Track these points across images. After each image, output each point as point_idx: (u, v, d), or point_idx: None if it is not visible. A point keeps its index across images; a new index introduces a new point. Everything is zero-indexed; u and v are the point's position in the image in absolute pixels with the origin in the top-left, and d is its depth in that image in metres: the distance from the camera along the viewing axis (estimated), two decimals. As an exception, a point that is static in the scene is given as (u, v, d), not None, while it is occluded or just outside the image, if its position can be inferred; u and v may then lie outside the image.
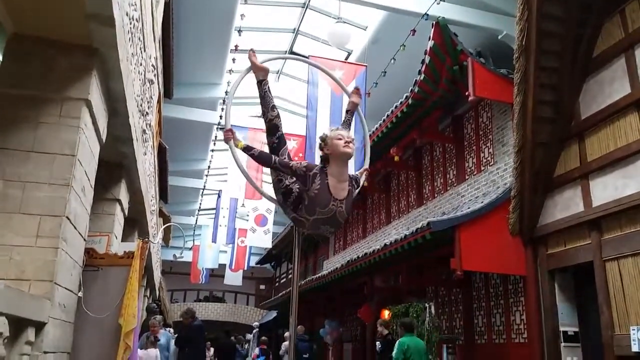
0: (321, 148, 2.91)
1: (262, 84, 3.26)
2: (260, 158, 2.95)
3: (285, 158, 3.02)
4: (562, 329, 6.57)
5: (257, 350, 14.12)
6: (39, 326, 3.02)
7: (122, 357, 4.25)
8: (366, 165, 3.33)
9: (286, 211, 3.03)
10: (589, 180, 6.19)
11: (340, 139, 2.83)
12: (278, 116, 3.16)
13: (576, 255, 6.29)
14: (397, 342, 6.63)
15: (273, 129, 3.13)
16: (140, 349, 6.87)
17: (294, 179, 2.96)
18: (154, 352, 7.08)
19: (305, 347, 11.24)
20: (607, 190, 5.88)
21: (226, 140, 3.02)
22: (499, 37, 8.32)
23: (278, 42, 12.14)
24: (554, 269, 6.70)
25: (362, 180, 3.15)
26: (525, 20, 6.05)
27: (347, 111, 3.31)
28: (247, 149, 2.96)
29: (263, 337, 14.93)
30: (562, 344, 6.50)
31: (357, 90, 3.37)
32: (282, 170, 2.93)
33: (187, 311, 8.47)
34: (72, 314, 3.82)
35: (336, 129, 2.94)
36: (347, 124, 3.21)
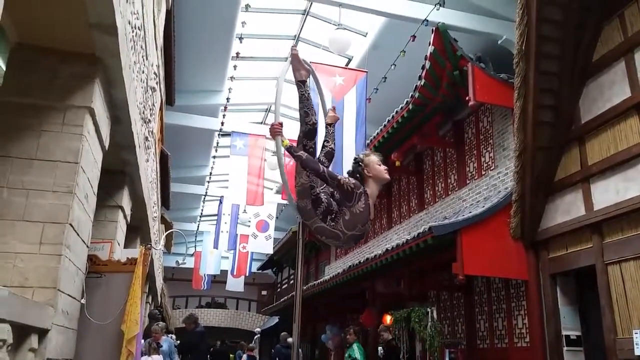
0: (358, 169, 3.01)
1: (303, 84, 3.28)
2: (306, 162, 2.87)
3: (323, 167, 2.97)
4: (564, 333, 6.56)
5: (244, 357, 14.35)
6: (42, 333, 3.03)
7: (125, 364, 4.26)
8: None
9: (309, 218, 2.94)
10: (590, 184, 6.20)
11: (380, 165, 3.02)
12: (317, 121, 3.20)
13: (578, 259, 6.30)
14: (357, 346, 7.57)
15: (312, 133, 3.15)
16: (142, 355, 6.88)
17: (323, 187, 2.98)
18: (157, 358, 7.09)
19: (286, 354, 12.17)
20: (608, 193, 5.89)
21: (274, 135, 2.95)
22: (499, 42, 8.35)
23: (279, 49, 12.19)
24: (556, 272, 6.70)
25: None
26: (525, 25, 6.08)
27: (327, 124, 3.37)
28: (291, 149, 2.88)
29: (250, 344, 15.25)
30: (565, 348, 6.49)
31: (332, 109, 3.49)
32: (326, 181, 2.89)
33: (189, 317, 8.47)
34: (75, 321, 3.83)
35: (371, 153, 3.11)
36: (331, 136, 3.32)
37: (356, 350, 7.46)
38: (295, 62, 3.30)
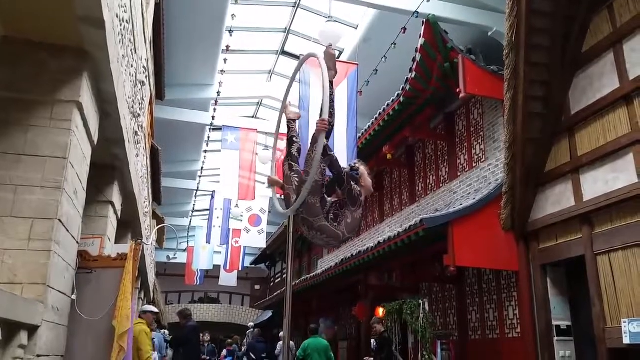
0: (355, 176, 3.17)
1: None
2: (335, 163, 3.08)
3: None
4: (555, 323, 6.61)
5: (224, 352, 14.62)
6: (32, 329, 3.01)
7: (116, 359, 4.24)
8: None
9: (315, 215, 3.00)
10: (579, 175, 6.24)
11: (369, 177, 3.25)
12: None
13: (568, 250, 6.34)
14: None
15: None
16: None
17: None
18: (154, 354, 7.07)
19: (262, 347, 13.53)
20: (598, 184, 5.93)
21: (323, 130, 2.97)
22: (489, 33, 8.37)
23: (269, 42, 12.13)
24: (546, 263, 6.75)
25: None
26: (515, 17, 6.08)
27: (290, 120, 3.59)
28: (326, 148, 3.03)
29: (229, 340, 15.49)
30: (555, 338, 6.55)
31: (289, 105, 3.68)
32: (343, 183, 3.08)
33: (182, 312, 8.46)
34: (66, 317, 3.82)
35: (361, 164, 3.31)
36: (296, 132, 3.56)
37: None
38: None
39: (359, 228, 3.13)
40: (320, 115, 3.03)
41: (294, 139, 3.45)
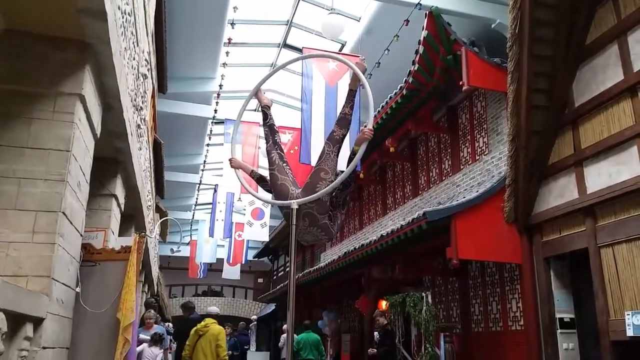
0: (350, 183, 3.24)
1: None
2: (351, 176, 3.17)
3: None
4: (558, 315, 6.62)
5: None
6: (38, 322, 3.03)
7: (121, 352, 4.26)
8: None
9: (323, 212, 3.06)
10: (583, 168, 6.23)
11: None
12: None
13: (571, 242, 6.34)
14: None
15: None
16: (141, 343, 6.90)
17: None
18: (157, 350, 7.10)
19: (245, 340, 15.49)
20: (601, 177, 5.92)
21: (368, 139, 3.04)
22: (492, 26, 8.31)
23: (271, 35, 12.09)
24: (550, 256, 6.75)
25: None
26: (518, 9, 6.05)
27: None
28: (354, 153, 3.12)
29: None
30: (559, 331, 6.56)
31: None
32: (350, 184, 3.23)
33: (186, 304, 8.47)
34: (70, 310, 3.83)
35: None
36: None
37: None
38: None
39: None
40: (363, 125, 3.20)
41: (275, 127, 3.45)
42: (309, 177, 3.20)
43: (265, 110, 3.46)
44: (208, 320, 6.85)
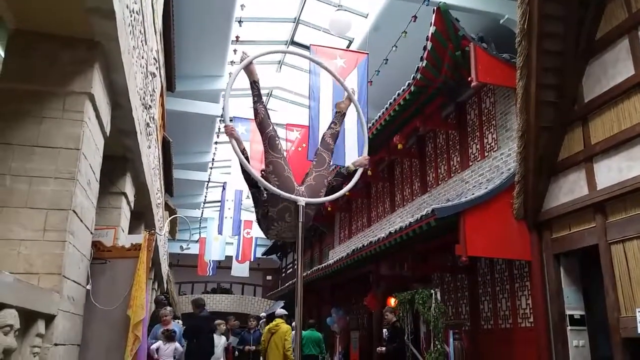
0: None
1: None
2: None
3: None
4: (568, 312, 6.59)
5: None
6: (49, 319, 3.06)
7: (132, 348, 4.30)
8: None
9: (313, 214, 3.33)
10: (593, 163, 6.18)
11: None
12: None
13: (581, 239, 6.30)
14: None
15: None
16: (155, 340, 6.94)
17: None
18: (172, 346, 7.12)
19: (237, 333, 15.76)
20: (612, 172, 5.87)
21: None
22: (501, 21, 8.26)
23: (279, 32, 12.10)
24: (559, 252, 6.71)
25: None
26: (527, 4, 6.00)
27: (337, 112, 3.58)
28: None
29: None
30: (569, 328, 6.53)
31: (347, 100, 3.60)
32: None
33: (196, 301, 8.48)
34: (81, 307, 3.87)
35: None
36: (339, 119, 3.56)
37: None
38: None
39: None
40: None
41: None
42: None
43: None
44: (278, 320, 8.30)
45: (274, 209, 3.09)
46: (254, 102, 3.33)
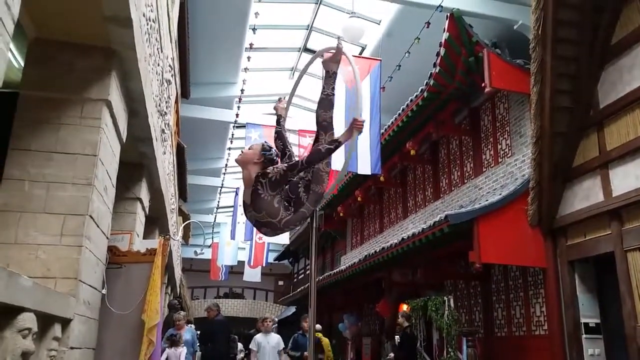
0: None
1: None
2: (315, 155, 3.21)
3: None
4: (583, 320, 6.50)
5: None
6: (65, 322, 3.10)
7: (146, 353, 4.33)
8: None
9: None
10: (608, 170, 6.12)
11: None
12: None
13: (597, 246, 6.23)
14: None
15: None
16: (165, 347, 6.99)
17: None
18: (179, 350, 7.18)
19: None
20: (628, 179, 5.80)
21: (359, 131, 2.92)
22: (515, 27, 8.23)
23: (292, 39, 12.16)
24: (574, 260, 6.64)
25: None
26: (541, 9, 5.98)
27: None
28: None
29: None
30: (584, 336, 6.44)
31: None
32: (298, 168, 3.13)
33: (211, 306, 8.51)
34: (97, 311, 3.91)
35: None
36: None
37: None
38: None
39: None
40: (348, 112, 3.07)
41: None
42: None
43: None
44: (318, 334, 8.35)
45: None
46: (328, 95, 3.19)
